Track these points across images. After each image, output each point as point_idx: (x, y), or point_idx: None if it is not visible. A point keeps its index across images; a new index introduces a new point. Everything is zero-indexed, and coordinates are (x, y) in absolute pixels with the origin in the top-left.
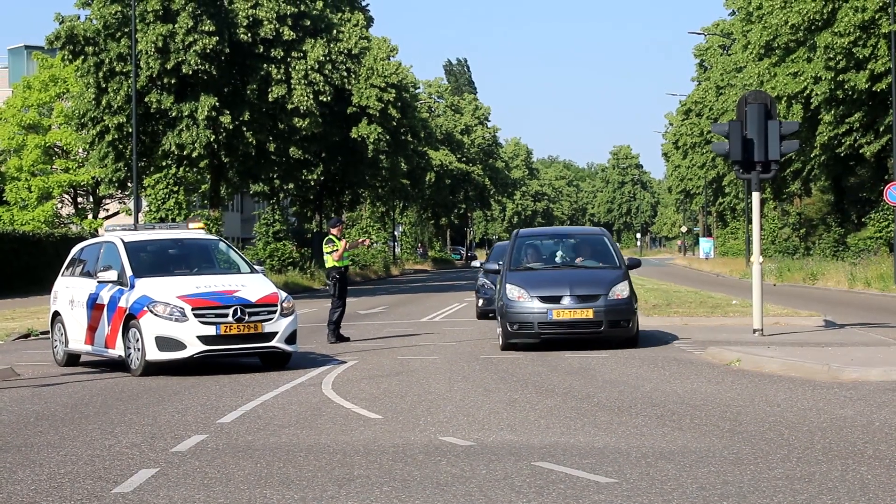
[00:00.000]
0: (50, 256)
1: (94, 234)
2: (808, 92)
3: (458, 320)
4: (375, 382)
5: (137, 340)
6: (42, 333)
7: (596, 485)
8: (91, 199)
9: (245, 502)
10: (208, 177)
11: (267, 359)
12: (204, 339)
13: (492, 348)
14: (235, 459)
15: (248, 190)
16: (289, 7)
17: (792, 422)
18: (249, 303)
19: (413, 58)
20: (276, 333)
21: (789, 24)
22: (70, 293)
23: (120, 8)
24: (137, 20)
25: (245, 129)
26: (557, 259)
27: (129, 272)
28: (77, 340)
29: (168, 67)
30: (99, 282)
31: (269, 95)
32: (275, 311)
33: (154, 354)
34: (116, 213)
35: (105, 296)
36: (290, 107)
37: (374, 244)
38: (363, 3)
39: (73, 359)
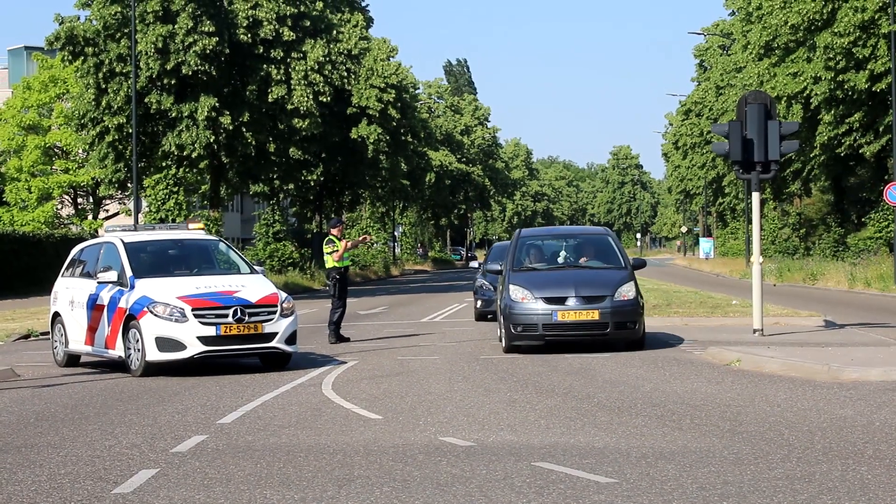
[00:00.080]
0: (50, 257)
1: (94, 235)
2: (807, 92)
3: (458, 321)
4: (376, 383)
5: (137, 341)
6: (42, 334)
7: (596, 485)
8: (91, 200)
9: (245, 503)
10: (208, 177)
11: (267, 359)
12: (204, 340)
13: (492, 349)
14: (235, 460)
15: (247, 190)
16: (289, 8)
17: (792, 422)
18: (249, 303)
19: (413, 58)
20: (276, 334)
21: (789, 24)
22: (70, 294)
23: (120, 9)
24: (137, 21)
25: (245, 129)
26: (560, 259)
27: (129, 273)
28: (77, 341)
29: (168, 68)
30: (99, 282)
31: (269, 96)
32: (275, 312)
33: (154, 355)
34: (116, 214)
35: (105, 296)
36: (289, 107)
37: (375, 244)
38: (363, 4)
39: (73, 359)
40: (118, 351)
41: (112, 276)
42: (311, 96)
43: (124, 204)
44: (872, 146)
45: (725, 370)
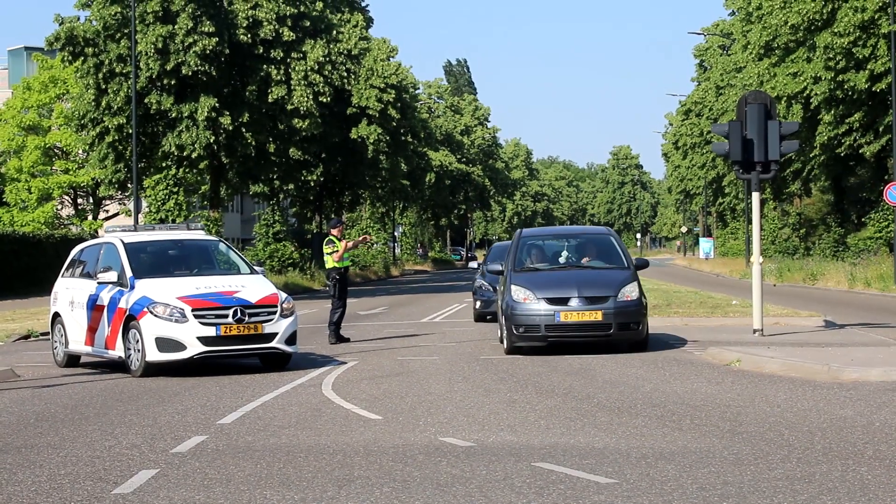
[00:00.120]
0: (50, 257)
1: (94, 236)
2: (807, 92)
3: (458, 321)
4: (376, 383)
5: (137, 341)
6: (42, 334)
7: (596, 485)
8: (91, 201)
9: (245, 503)
10: (208, 178)
11: (267, 360)
12: (204, 340)
13: (492, 349)
14: (235, 460)
15: (247, 191)
16: (288, 8)
17: (792, 422)
18: (249, 304)
19: (413, 58)
20: (276, 334)
21: (789, 24)
22: (70, 294)
23: (120, 9)
24: (137, 21)
25: (245, 129)
26: (562, 259)
27: (129, 273)
28: (77, 341)
29: (168, 68)
30: (99, 283)
31: (269, 96)
32: (275, 312)
33: (154, 355)
34: (116, 215)
35: (105, 297)
36: (289, 107)
37: (375, 244)
38: (363, 4)
39: (73, 360)
40: (118, 351)
41: (112, 276)
42: (310, 96)
43: (124, 204)
44: (872, 146)
45: (725, 370)
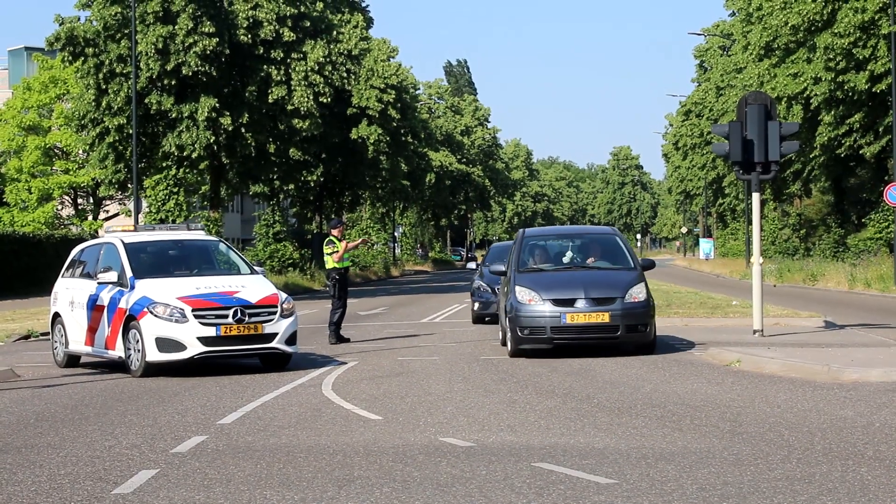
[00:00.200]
0: (50, 258)
1: (95, 236)
2: (808, 93)
3: (458, 321)
4: (376, 383)
5: (137, 341)
6: (42, 335)
7: (596, 486)
8: (91, 201)
9: (245, 503)
10: (208, 178)
11: (267, 360)
12: (204, 341)
13: (492, 349)
14: (235, 460)
15: (248, 191)
16: (289, 8)
17: (792, 423)
18: (249, 304)
19: (413, 59)
20: (276, 334)
21: (789, 24)
22: (70, 294)
23: (120, 9)
24: (137, 21)
25: (245, 130)
26: (567, 260)
27: (129, 273)
28: (77, 342)
29: (168, 69)
30: (99, 283)
31: (269, 97)
32: (275, 312)
33: (154, 355)
34: (116, 215)
35: (105, 297)
36: (290, 108)
37: (375, 245)
38: (363, 4)
39: (73, 360)
40: (118, 351)
41: (112, 276)
42: (311, 97)
43: (124, 205)
44: (872, 147)
45: (725, 371)
